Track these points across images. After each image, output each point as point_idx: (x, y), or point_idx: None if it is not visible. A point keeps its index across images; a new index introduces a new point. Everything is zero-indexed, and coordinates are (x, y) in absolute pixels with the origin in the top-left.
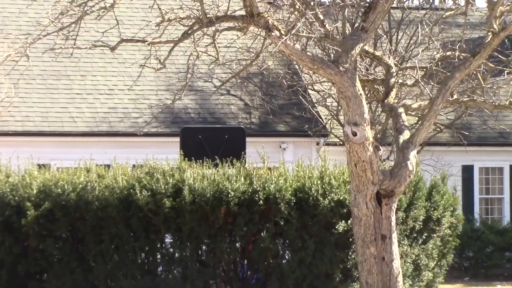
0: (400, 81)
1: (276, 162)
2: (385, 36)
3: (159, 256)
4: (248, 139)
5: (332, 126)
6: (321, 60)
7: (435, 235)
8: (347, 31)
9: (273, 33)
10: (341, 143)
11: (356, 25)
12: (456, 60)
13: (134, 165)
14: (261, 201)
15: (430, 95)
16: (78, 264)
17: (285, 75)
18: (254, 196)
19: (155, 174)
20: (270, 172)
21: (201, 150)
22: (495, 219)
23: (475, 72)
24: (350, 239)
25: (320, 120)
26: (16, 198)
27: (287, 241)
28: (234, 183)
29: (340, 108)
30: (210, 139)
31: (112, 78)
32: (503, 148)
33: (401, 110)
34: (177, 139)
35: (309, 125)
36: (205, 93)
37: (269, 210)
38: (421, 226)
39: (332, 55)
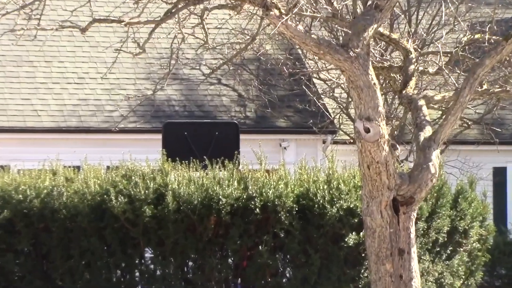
0: (421, 68)
1: (275, 163)
2: (403, 16)
3: (137, 274)
4: (242, 136)
5: (341, 122)
6: (328, 44)
7: (461, 249)
8: (358, 10)
9: (271, 12)
10: (352, 141)
11: (369, 3)
12: (486, 44)
13: (108, 167)
14: (257, 209)
15: (456, 85)
16: (43, 283)
17: (286, 62)
18: (249, 203)
19: (133, 177)
20: (268, 175)
21: (187, 149)
22: None
23: (508, 58)
24: (362, 254)
25: (327, 114)
26: None
27: (288, 256)
28: (226, 188)
29: (350, 100)
30: (198, 136)
31: (83, 64)
32: None
33: (421, 102)
34: (159, 136)
35: (314, 120)
36: (192, 82)
37: (267, 220)
38: (445, 239)
39: (341, 38)
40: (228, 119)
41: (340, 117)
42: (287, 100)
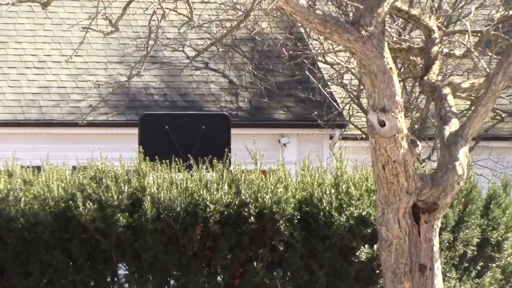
0: (446, 50)
1: (273, 163)
2: None
3: None
4: (234, 131)
5: (351, 113)
6: (335, 21)
7: (494, 264)
8: None
9: None
10: (364, 136)
11: None
12: None
13: (74, 167)
14: (252, 218)
15: (487, 70)
16: None
17: (286, 42)
18: (242, 210)
19: (104, 180)
20: (265, 177)
21: (168, 146)
22: None
23: None
24: (377, 271)
25: (335, 104)
26: None
27: (288, 274)
28: (215, 193)
29: (362, 88)
30: (181, 131)
31: (44, 46)
32: None
33: (447, 90)
34: (135, 130)
35: (319, 112)
36: (174, 66)
37: (263, 230)
38: (475, 253)
39: (351, 14)
40: (217, 111)
41: (350, 108)
42: (287, 87)
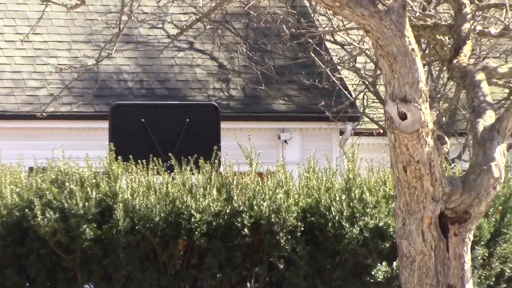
0: (479, 28)
1: (272, 163)
2: None
3: None
4: (224, 125)
5: (365, 104)
6: None
7: None
8: None
9: None
10: (381, 131)
11: None
12: None
13: (31, 168)
14: (246, 229)
15: None
16: None
17: (287, 18)
18: (234, 220)
19: (67, 184)
20: (262, 180)
21: (145, 143)
22: None
23: None
24: None
25: (346, 93)
26: None
27: None
28: (201, 199)
29: (379, 73)
30: (161, 125)
31: None
32: None
33: (480, 76)
34: (105, 124)
35: (327, 102)
36: (152, 47)
37: (259, 244)
38: None
39: None
40: (204, 100)
41: (365, 97)
42: (289, 73)
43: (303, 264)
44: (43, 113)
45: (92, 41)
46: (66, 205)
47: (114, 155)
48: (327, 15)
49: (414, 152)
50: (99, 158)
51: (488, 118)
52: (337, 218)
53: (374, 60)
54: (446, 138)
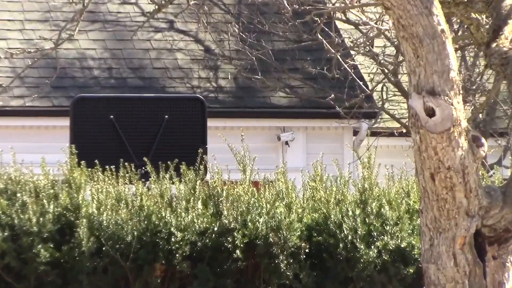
0: None
1: (270, 170)
2: None
3: None
4: (212, 122)
5: (385, 97)
6: None
7: None
8: None
9: None
10: (404, 131)
11: None
12: None
13: None
14: (238, 251)
15: None
16: None
17: None
18: (224, 240)
19: (18, 195)
20: (258, 191)
21: (113, 145)
22: None
23: None
24: None
25: (361, 83)
26: None
27: None
28: (184, 214)
29: (401, 59)
30: (134, 123)
31: None
32: None
33: None
34: (66, 121)
35: (337, 94)
36: (124, 27)
37: (255, 270)
38: None
39: None
40: (187, 92)
41: (384, 88)
42: (291, 59)
43: None
44: None
45: (50, 19)
46: (16, 220)
47: (77, 160)
48: None
49: (444, 156)
50: (58, 164)
51: None
52: (349, 237)
53: (396, 43)
54: (483, 140)
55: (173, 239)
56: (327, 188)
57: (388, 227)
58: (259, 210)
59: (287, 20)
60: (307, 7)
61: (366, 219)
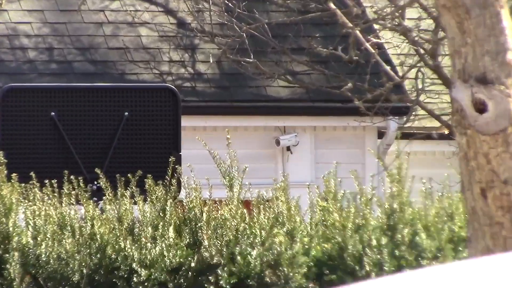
0: None
1: (266, 185)
2: None
3: None
4: (187, 121)
5: (420, 86)
6: None
7: None
8: None
9: None
10: (446, 132)
11: None
12: None
13: None
14: None
15: None
16: None
17: None
18: (204, 280)
19: None
20: (250, 213)
21: (55, 152)
22: None
23: None
24: None
25: (387, 69)
26: None
27: None
28: (149, 246)
29: (442, 36)
30: (82, 122)
31: None
32: None
33: None
34: None
35: (356, 83)
36: None
37: None
38: None
39: None
40: (154, 81)
41: (419, 75)
42: (295, 35)
43: None
44: None
45: None
46: None
47: (6, 173)
48: None
49: (499, 165)
50: None
51: None
52: (373, 275)
53: (434, 15)
54: None
55: (135, 279)
56: (343, 209)
57: (425, 261)
58: (252, 239)
59: None
60: None
61: (396, 251)
